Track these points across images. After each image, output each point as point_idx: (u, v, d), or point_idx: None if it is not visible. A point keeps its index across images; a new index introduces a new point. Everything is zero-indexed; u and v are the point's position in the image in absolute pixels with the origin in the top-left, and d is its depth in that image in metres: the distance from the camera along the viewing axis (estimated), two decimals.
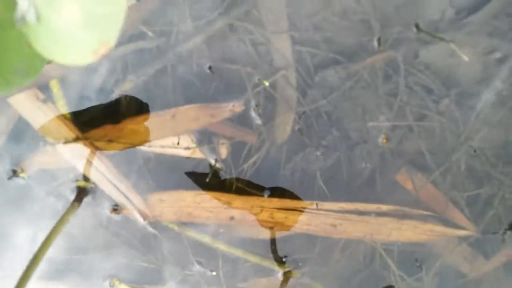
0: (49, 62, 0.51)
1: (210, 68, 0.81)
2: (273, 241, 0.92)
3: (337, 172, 0.88)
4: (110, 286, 0.89)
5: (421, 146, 0.88)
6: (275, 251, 0.93)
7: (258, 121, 0.83)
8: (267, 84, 0.81)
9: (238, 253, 0.92)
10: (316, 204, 0.87)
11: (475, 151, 0.87)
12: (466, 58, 0.83)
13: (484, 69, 0.86)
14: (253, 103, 0.81)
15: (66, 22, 0.43)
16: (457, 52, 0.84)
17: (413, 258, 0.92)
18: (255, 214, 0.88)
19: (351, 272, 0.93)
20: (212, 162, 0.84)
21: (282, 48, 0.81)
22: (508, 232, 0.90)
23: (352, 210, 0.88)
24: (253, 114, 0.83)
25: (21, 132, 0.82)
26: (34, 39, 0.46)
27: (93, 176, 0.83)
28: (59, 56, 0.46)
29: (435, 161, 0.89)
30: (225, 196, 0.87)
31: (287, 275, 0.93)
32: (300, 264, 0.92)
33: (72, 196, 0.82)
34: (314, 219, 0.88)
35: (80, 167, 0.82)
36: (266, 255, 0.93)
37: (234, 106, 0.80)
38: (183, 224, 0.89)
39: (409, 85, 0.85)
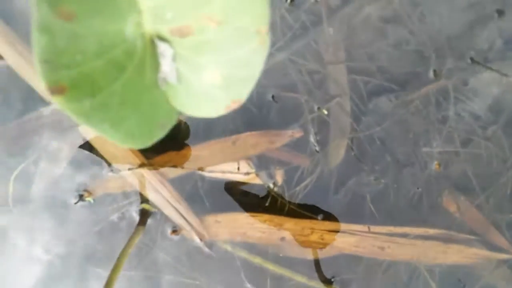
0: (180, 114, 0.54)
1: (273, 97, 0.84)
2: (319, 262, 0.95)
3: (387, 195, 0.90)
4: None
5: (468, 171, 0.90)
6: (321, 272, 0.95)
7: (314, 146, 0.86)
8: (325, 112, 0.84)
9: (286, 273, 0.94)
10: (369, 227, 0.89)
11: None
12: None
13: None
14: (311, 130, 0.84)
15: (206, 84, 0.47)
16: (505, 80, 0.86)
17: (454, 278, 0.94)
18: (306, 236, 0.91)
19: None
20: (268, 186, 0.87)
21: (338, 77, 0.84)
22: None
23: (400, 234, 0.90)
24: (310, 139, 0.85)
25: (88, 158, 0.85)
26: (173, 97, 0.50)
27: (156, 199, 0.86)
28: (194, 111, 0.50)
29: (480, 185, 0.91)
30: (278, 218, 0.90)
31: None
32: (346, 284, 0.95)
33: (136, 218, 0.85)
34: (363, 241, 0.90)
35: (144, 191, 0.85)
36: (313, 275, 0.95)
37: (293, 133, 0.83)
38: (235, 244, 0.91)
39: (457, 112, 0.88)
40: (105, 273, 0.81)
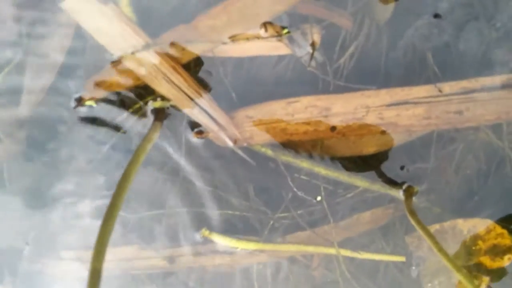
0: None
1: None
2: (383, 155, 0.76)
3: (452, 50, 0.71)
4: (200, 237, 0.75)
5: None
6: (385, 168, 0.77)
7: None
8: None
9: (342, 177, 0.76)
10: (439, 88, 0.70)
11: None
12: None
13: None
14: None
15: None
16: None
17: None
18: (361, 119, 0.72)
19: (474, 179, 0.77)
20: (304, 58, 0.69)
21: None
22: None
23: (477, 89, 0.71)
24: None
25: (80, 48, 0.67)
26: None
27: (169, 92, 0.67)
28: None
29: None
30: (323, 100, 0.71)
31: (409, 191, 0.76)
32: (420, 177, 0.76)
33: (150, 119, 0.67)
34: (433, 109, 0.71)
35: (154, 83, 0.67)
36: (375, 178, 0.76)
37: None
38: (275, 146, 0.73)
39: None
40: None
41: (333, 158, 0.76)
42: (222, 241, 0.75)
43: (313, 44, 0.66)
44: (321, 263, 0.82)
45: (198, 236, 0.76)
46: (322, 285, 0.83)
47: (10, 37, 0.67)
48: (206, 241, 0.78)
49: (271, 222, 0.79)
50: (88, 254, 0.46)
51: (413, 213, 0.69)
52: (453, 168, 0.77)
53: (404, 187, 0.76)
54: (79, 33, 0.67)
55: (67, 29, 0.66)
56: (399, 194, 0.76)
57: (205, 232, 0.76)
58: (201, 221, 0.76)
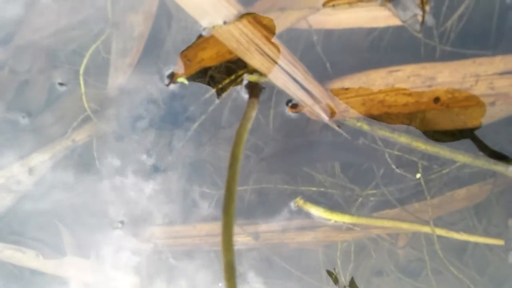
0: None
1: None
2: (489, 127, 0.69)
3: None
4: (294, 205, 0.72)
5: None
6: (492, 142, 0.69)
7: None
8: None
9: (443, 151, 0.69)
10: None
11: None
12: None
13: None
14: None
15: None
16: None
17: None
18: (469, 89, 0.65)
19: None
20: (407, 17, 0.62)
21: None
22: None
23: None
24: None
25: (165, 22, 0.65)
26: None
27: (263, 65, 0.63)
28: None
29: None
30: (428, 68, 0.64)
31: None
32: None
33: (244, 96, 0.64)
34: None
35: (246, 56, 0.63)
36: (478, 153, 0.69)
37: None
38: (372, 121, 0.68)
39: None
40: None
41: (432, 132, 0.70)
42: (316, 212, 0.72)
43: (423, 5, 0.59)
44: (409, 242, 0.78)
45: (292, 205, 0.73)
46: (407, 264, 0.79)
47: (96, 13, 0.65)
48: (292, 216, 0.75)
49: (360, 199, 0.75)
50: None
51: None
52: None
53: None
54: (164, 6, 0.63)
55: (151, 1, 0.63)
56: (508, 170, 0.69)
57: (299, 201, 0.73)
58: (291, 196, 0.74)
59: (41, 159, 0.75)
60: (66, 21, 0.64)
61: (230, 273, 0.38)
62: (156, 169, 0.73)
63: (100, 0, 0.64)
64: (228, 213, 0.41)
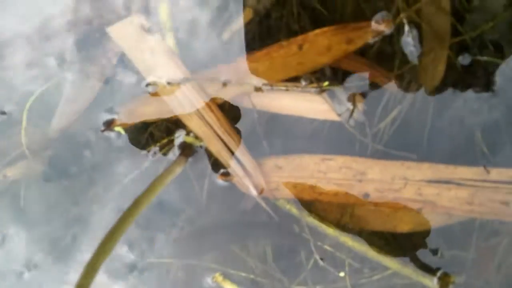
0: None
1: None
2: (418, 236, 0.70)
3: (503, 128, 0.66)
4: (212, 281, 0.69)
5: None
6: (421, 248, 0.70)
7: (409, 51, 0.64)
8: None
9: (371, 254, 0.69)
10: (487, 170, 0.65)
11: None
12: None
13: None
14: (405, 23, 0.63)
15: None
16: None
17: None
18: (397, 190, 0.67)
19: None
20: (342, 110, 0.66)
21: None
22: None
23: None
24: (404, 39, 0.64)
25: (122, 74, 0.68)
26: None
27: (200, 130, 0.65)
28: None
29: None
30: (359, 162, 0.67)
31: (444, 280, 0.68)
32: (456, 266, 0.69)
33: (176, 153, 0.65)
34: (478, 195, 0.65)
35: (186, 118, 0.65)
36: (406, 260, 0.69)
37: (378, 22, 0.62)
38: (303, 204, 0.68)
39: None
40: None
41: (363, 231, 0.70)
42: None
43: (354, 102, 0.63)
44: None
45: (209, 281, 0.70)
46: None
47: (56, 54, 0.68)
48: None
49: None
50: None
51: None
52: (495, 264, 0.69)
53: (439, 274, 0.68)
54: (122, 60, 0.67)
55: (110, 56, 0.67)
56: (433, 282, 0.68)
57: (218, 277, 0.70)
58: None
59: None
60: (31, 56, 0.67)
61: None
62: (76, 219, 0.71)
63: (63, 45, 0.68)
64: (102, 248, 0.39)
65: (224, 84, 0.63)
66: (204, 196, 0.68)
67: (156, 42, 0.63)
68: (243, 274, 0.72)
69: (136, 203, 0.46)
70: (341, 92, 0.64)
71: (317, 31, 0.61)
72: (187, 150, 0.62)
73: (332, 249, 0.72)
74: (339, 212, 0.70)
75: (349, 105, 0.65)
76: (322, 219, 0.70)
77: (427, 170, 0.66)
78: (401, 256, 0.70)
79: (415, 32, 0.63)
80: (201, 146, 0.66)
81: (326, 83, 0.63)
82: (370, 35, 0.61)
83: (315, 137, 0.68)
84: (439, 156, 0.67)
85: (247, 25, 0.65)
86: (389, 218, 0.70)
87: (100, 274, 0.44)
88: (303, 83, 0.64)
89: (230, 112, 0.66)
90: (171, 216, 0.70)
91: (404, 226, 0.69)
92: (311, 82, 0.63)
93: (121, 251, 0.72)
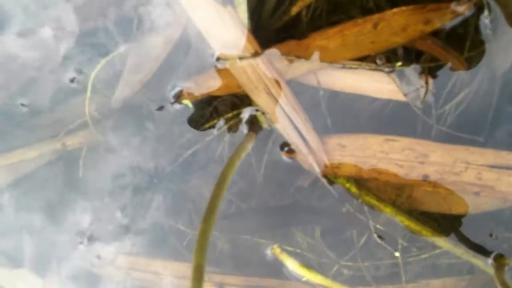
0: None
1: None
2: (472, 218, 0.70)
3: None
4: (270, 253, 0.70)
5: None
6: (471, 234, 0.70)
7: (485, 34, 0.63)
8: None
9: (425, 233, 0.70)
10: None
11: None
12: None
13: None
14: (484, 5, 0.62)
15: None
16: None
17: None
18: (457, 174, 0.67)
19: None
20: (410, 90, 0.65)
21: None
22: None
23: None
24: (484, 22, 0.63)
25: (184, 49, 0.67)
26: None
27: (267, 105, 0.65)
28: None
29: None
30: (422, 145, 0.67)
31: (500, 261, 0.69)
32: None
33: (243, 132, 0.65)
34: None
35: (253, 93, 0.65)
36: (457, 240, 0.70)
37: (459, 4, 0.60)
38: (363, 182, 0.69)
39: None
40: None
41: (417, 212, 0.70)
42: (291, 265, 0.70)
43: (427, 82, 0.63)
44: None
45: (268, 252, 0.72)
46: None
47: (121, 25, 0.68)
48: (263, 272, 0.73)
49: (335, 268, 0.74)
50: None
51: (506, 286, 0.62)
52: None
53: (493, 255, 0.69)
54: (186, 35, 0.66)
55: (175, 27, 0.66)
56: (487, 263, 0.69)
57: (276, 249, 0.71)
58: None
59: (22, 158, 0.73)
60: (92, 25, 0.66)
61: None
62: (137, 189, 0.72)
63: (128, 13, 0.67)
64: (205, 226, 0.40)
65: (292, 61, 0.63)
66: (266, 174, 0.69)
67: (229, 14, 0.62)
68: (298, 250, 0.74)
69: (220, 182, 0.46)
70: (411, 73, 0.64)
71: (395, 9, 0.60)
72: (256, 125, 0.63)
73: (384, 228, 0.73)
74: (394, 192, 0.71)
75: (418, 86, 0.64)
76: (379, 198, 0.70)
77: (490, 155, 0.66)
78: (452, 237, 0.71)
79: (493, 15, 0.61)
80: (268, 123, 0.66)
81: (400, 63, 0.62)
82: (449, 17, 0.60)
83: (376, 116, 0.68)
84: (501, 141, 0.66)
85: (317, 0, 0.64)
86: (445, 200, 0.70)
87: None
88: (379, 62, 0.63)
89: (297, 89, 0.66)
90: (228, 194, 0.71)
91: (459, 208, 0.70)
92: (385, 62, 0.62)
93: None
